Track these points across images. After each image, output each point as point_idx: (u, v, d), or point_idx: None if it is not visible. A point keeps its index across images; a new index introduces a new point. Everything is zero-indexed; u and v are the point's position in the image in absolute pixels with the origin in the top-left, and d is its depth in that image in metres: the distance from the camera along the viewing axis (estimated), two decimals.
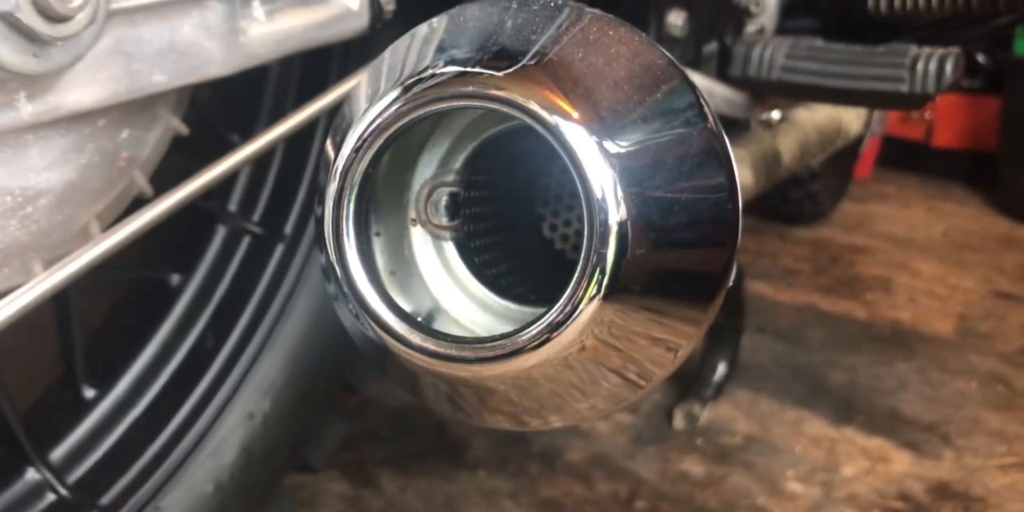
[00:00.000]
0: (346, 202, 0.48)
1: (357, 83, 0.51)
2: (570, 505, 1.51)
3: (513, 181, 0.59)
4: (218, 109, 0.89)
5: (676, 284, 0.46)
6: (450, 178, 0.53)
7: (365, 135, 0.47)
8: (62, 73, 0.51)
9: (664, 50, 0.51)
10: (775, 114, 1.46)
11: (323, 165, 0.51)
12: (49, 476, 0.86)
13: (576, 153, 0.45)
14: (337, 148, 0.49)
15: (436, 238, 0.53)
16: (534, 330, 0.46)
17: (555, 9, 0.51)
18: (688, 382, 1.86)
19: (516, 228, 0.60)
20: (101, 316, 0.99)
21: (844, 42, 1.24)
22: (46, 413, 0.92)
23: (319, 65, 0.95)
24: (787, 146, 1.47)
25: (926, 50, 1.09)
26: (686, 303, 0.47)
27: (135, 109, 0.59)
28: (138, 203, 0.72)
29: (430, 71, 0.47)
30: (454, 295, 0.53)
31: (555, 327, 0.45)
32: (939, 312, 2.40)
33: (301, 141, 0.97)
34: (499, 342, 0.47)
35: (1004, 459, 1.75)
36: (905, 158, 3.50)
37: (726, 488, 1.60)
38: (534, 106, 0.45)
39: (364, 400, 1.48)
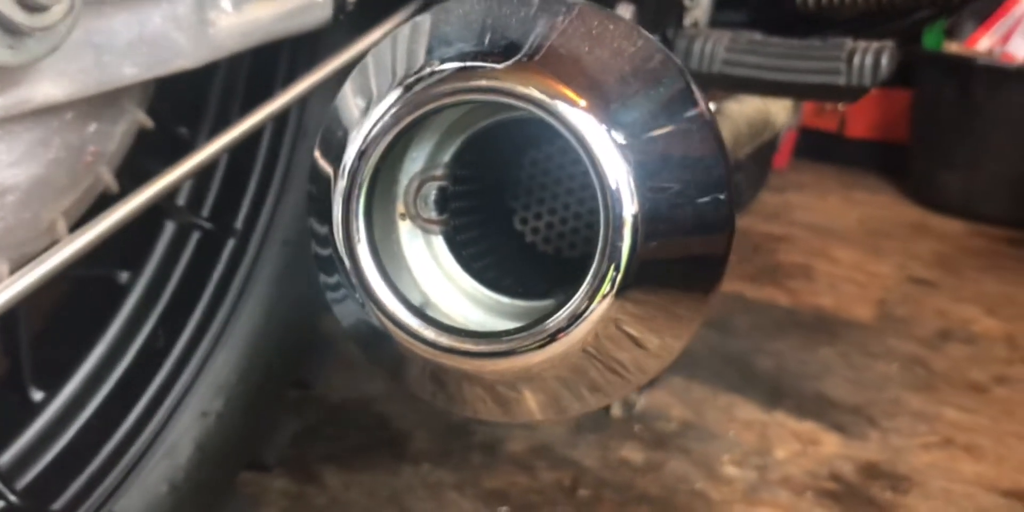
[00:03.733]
0: (355, 200, 0.48)
1: (341, 92, 0.51)
2: (515, 495, 1.52)
3: (493, 174, 0.60)
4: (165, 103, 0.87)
5: (681, 275, 0.47)
6: (439, 172, 0.53)
7: (371, 135, 0.47)
8: (33, 65, 0.50)
9: (656, 40, 0.51)
10: (711, 106, 1.48)
11: (313, 173, 0.51)
12: None
13: (589, 144, 0.46)
14: (335, 152, 0.49)
15: (425, 232, 0.54)
16: (551, 325, 0.47)
17: (541, 0, 0.52)
18: None
19: (496, 221, 0.60)
20: (43, 316, 0.96)
21: (775, 34, 1.27)
22: None
23: (268, 61, 0.94)
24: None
25: (862, 44, 1.12)
26: (690, 293, 0.48)
27: (102, 102, 0.58)
28: (103, 199, 0.70)
29: (428, 70, 0.48)
30: (444, 289, 0.53)
31: (573, 320, 0.46)
32: (859, 298, 2.48)
33: (250, 140, 0.95)
34: (513, 337, 0.47)
35: (926, 438, 1.82)
36: (820, 149, 3.60)
37: (665, 474, 1.63)
38: (541, 95, 0.46)
39: (304, 396, 1.46)
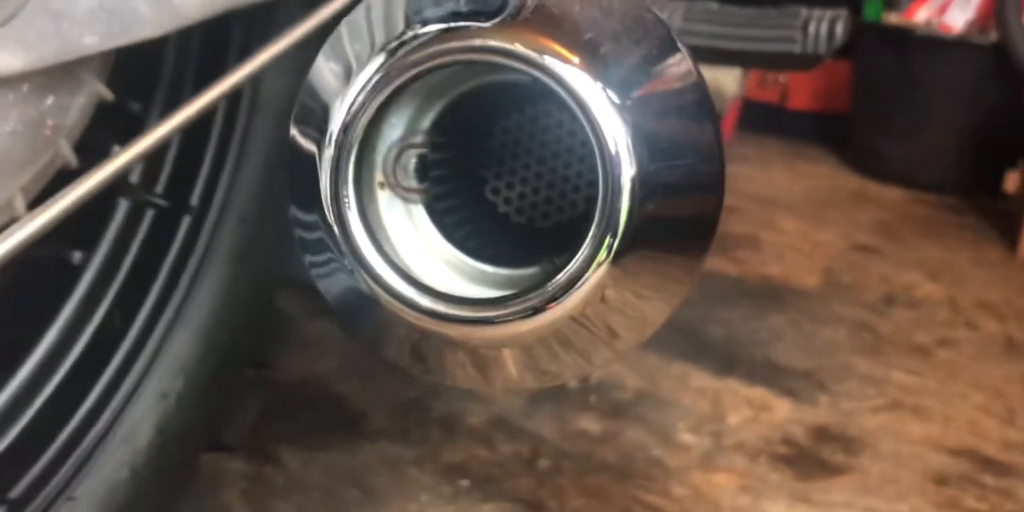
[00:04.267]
0: (344, 168, 0.47)
1: (315, 66, 0.49)
2: (475, 468, 1.52)
3: (470, 141, 0.59)
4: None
5: (675, 237, 0.47)
6: (418, 139, 0.52)
7: (358, 102, 0.46)
8: None
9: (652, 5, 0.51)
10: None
11: (292, 152, 0.49)
12: None
13: (587, 103, 0.45)
14: (317, 123, 0.48)
15: (405, 202, 0.52)
16: (548, 290, 0.46)
17: None
18: None
19: (472, 190, 0.59)
20: None
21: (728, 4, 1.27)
22: None
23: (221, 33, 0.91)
24: None
25: (816, 12, 1.13)
26: (684, 256, 0.48)
27: (60, 74, 0.55)
28: (63, 175, 0.68)
29: (411, 33, 0.47)
30: (425, 259, 0.52)
31: (569, 286, 0.46)
32: (805, 266, 2.51)
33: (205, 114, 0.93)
34: (507, 304, 0.46)
35: (875, 401, 1.86)
36: (763, 121, 3.63)
37: (623, 442, 1.64)
38: (532, 54, 0.45)
39: (256, 376, 1.44)
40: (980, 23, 3.10)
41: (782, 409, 1.82)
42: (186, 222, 0.95)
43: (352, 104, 0.46)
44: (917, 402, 1.87)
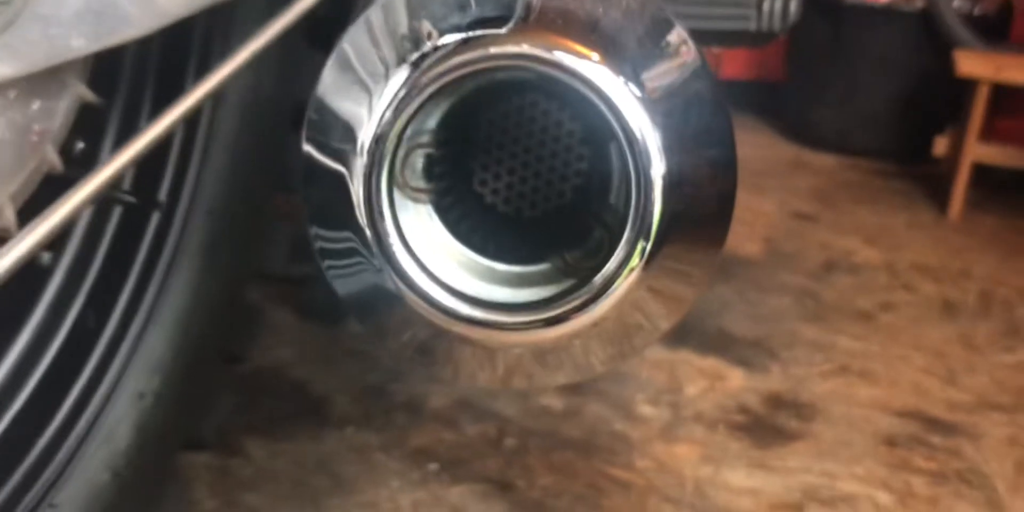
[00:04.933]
0: (377, 177, 0.47)
1: (322, 83, 0.49)
2: (442, 451, 1.52)
3: (462, 135, 0.58)
4: None
5: (698, 233, 0.47)
6: (424, 139, 0.52)
7: (389, 114, 0.46)
8: None
9: None
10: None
11: (305, 164, 0.49)
12: None
13: (613, 100, 0.45)
14: (341, 136, 0.47)
15: (415, 202, 0.52)
16: (580, 296, 0.46)
17: None
18: None
19: (467, 183, 0.59)
20: None
21: None
22: None
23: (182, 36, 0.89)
24: None
25: None
26: (703, 249, 0.48)
27: (44, 78, 0.53)
28: (49, 180, 0.66)
29: (430, 45, 0.46)
30: (440, 258, 0.52)
31: (603, 290, 0.46)
32: (747, 236, 2.56)
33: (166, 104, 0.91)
34: (544, 311, 0.47)
35: (823, 367, 1.91)
36: None
37: (586, 418, 1.66)
38: (562, 56, 0.45)
39: (230, 370, 1.42)
40: None
41: (736, 378, 1.85)
42: (155, 218, 0.93)
43: (383, 116, 0.46)
44: (863, 366, 1.92)
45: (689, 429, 1.66)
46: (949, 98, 2.89)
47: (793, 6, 1.13)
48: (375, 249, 0.48)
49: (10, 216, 0.60)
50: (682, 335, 1.98)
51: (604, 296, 0.47)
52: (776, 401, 1.78)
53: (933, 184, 3.01)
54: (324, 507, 1.37)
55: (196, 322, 0.96)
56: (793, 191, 2.93)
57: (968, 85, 2.68)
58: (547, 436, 1.59)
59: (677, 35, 0.50)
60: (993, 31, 3.03)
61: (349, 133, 0.48)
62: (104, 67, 0.79)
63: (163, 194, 0.94)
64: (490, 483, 1.46)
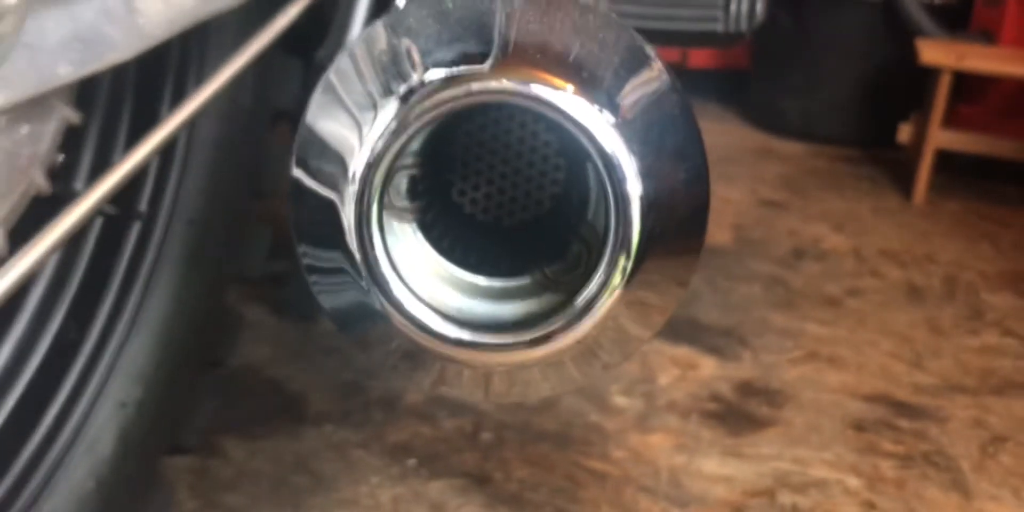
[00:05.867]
0: (368, 202, 0.48)
1: (311, 111, 0.50)
2: (420, 446, 1.54)
3: (439, 151, 0.60)
4: None
5: (673, 249, 0.49)
6: (408, 161, 0.53)
7: (381, 144, 0.47)
8: None
9: (604, 9, 0.53)
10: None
11: (294, 189, 0.50)
12: None
13: (589, 129, 0.47)
14: (333, 162, 0.49)
15: (400, 221, 0.54)
16: (563, 316, 0.48)
17: None
18: None
19: (446, 196, 0.61)
20: None
21: None
22: None
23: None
24: None
25: None
26: (678, 266, 0.50)
27: (33, 103, 0.54)
28: (41, 202, 0.66)
29: (416, 79, 0.48)
30: (424, 275, 0.54)
31: (576, 319, 0.48)
32: (716, 224, 2.58)
33: (148, 119, 0.91)
34: (529, 332, 0.49)
35: (793, 354, 1.95)
36: None
37: (560, 410, 1.68)
38: (535, 90, 0.47)
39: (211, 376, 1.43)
40: None
41: (707, 366, 1.88)
42: (136, 228, 0.94)
43: (375, 147, 0.48)
44: (831, 352, 1.96)
45: (663, 419, 1.69)
46: (912, 86, 2.94)
47: (759, 7, 1.15)
48: (364, 272, 0.50)
49: (0, 239, 0.61)
50: None
51: (587, 316, 0.48)
52: (747, 388, 1.81)
53: (898, 170, 3.06)
54: (305, 505, 1.39)
55: (177, 330, 0.97)
56: (761, 179, 2.97)
57: (930, 73, 2.72)
58: (522, 429, 1.61)
59: (649, 61, 0.52)
60: (954, 20, 3.07)
61: (339, 161, 0.49)
62: (83, 85, 0.79)
63: (143, 204, 0.94)
64: (468, 477, 1.48)
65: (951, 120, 2.81)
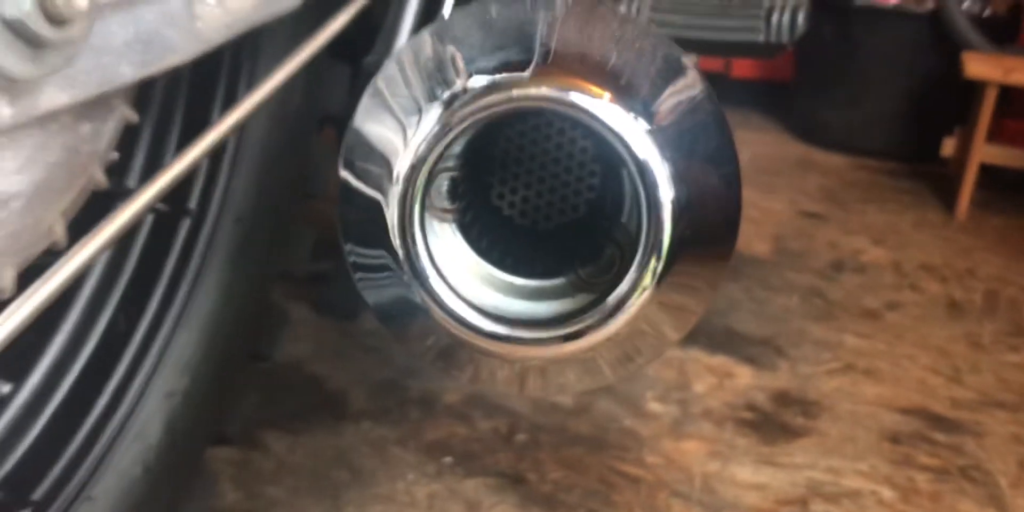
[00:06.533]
0: (411, 202, 0.51)
1: (359, 114, 0.54)
2: (456, 445, 1.57)
3: (480, 155, 0.62)
4: None
5: (703, 253, 0.51)
6: (450, 164, 0.56)
7: (422, 149, 0.50)
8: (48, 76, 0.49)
9: (645, 22, 0.55)
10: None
11: (343, 189, 0.53)
12: None
13: (624, 136, 0.49)
14: (378, 164, 0.52)
15: (440, 221, 0.56)
16: (596, 314, 0.51)
17: (532, 1, 0.55)
18: None
19: (486, 199, 0.63)
20: None
21: None
22: None
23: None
24: None
25: (779, 2, 1.18)
26: (710, 265, 0.52)
27: (94, 102, 0.57)
28: (96, 197, 0.70)
29: (460, 85, 0.51)
30: (462, 273, 0.56)
31: (614, 311, 0.50)
32: (756, 234, 2.59)
33: (199, 120, 0.95)
34: (562, 328, 0.51)
35: (830, 365, 1.95)
36: None
37: (595, 414, 1.70)
38: (572, 97, 0.49)
39: (254, 369, 1.47)
40: None
41: (744, 376, 1.89)
42: (185, 225, 0.97)
43: (418, 149, 0.50)
44: (869, 364, 1.96)
45: (698, 426, 1.70)
46: (957, 99, 2.92)
47: (801, 18, 1.16)
48: (406, 268, 0.52)
49: (60, 232, 0.64)
50: (691, 334, 2.00)
51: (618, 314, 0.50)
52: (783, 398, 1.81)
53: (941, 184, 3.04)
54: (343, 499, 1.42)
55: (223, 324, 1.00)
56: (802, 190, 2.96)
57: (976, 87, 2.70)
58: (558, 432, 1.63)
59: (685, 71, 0.54)
60: (1002, 33, 3.05)
61: (384, 163, 0.52)
62: (139, 86, 0.83)
63: (194, 202, 0.98)
64: (503, 477, 1.50)
65: (996, 134, 2.79)
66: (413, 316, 0.55)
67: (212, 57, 0.87)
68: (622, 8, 1.21)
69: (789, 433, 1.70)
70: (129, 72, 0.57)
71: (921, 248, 2.59)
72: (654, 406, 1.75)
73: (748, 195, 2.87)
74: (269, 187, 1.02)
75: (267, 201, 1.02)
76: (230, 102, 0.94)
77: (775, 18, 1.16)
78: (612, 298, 0.51)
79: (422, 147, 0.51)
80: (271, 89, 0.65)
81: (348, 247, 0.54)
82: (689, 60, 0.58)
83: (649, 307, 0.50)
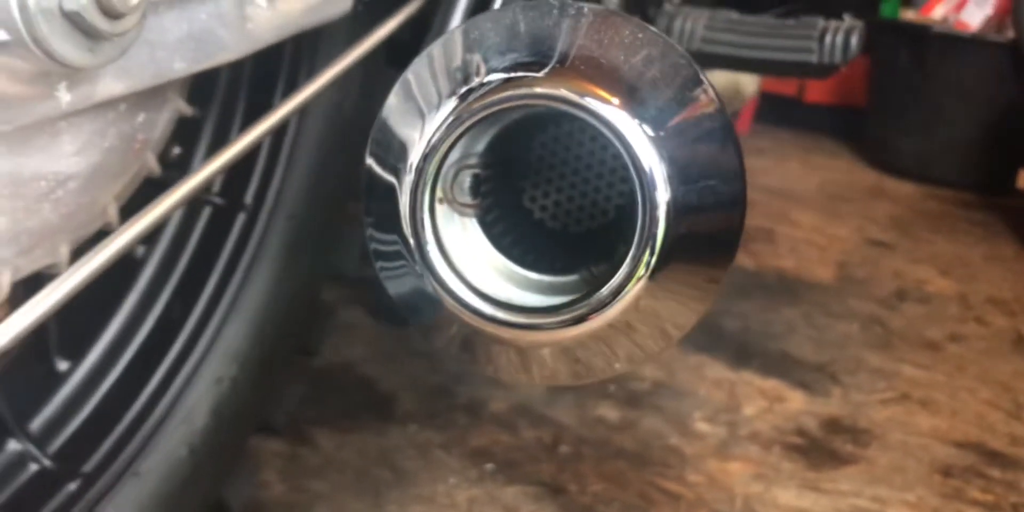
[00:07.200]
0: (422, 191, 0.54)
1: (387, 106, 0.57)
2: (499, 452, 1.59)
3: (509, 158, 0.65)
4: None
5: (703, 254, 0.54)
6: (472, 161, 0.59)
7: (436, 138, 0.54)
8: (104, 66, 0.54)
9: (667, 37, 0.57)
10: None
11: (368, 178, 0.57)
12: (30, 447, 0.88)
13: (627, 139, 0.52)
14: (396, 154, 0.55)
15: (461, 215, 0.59)
16: (593, 301, 0.53)
17: (560, 9, 0.57)
18: None
19: (514, 200, 0.66)
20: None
21: (738, 9, 1.33)
22: (20, 385, 0.93)
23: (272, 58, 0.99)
24: None
25: (833, 23, 1.19)
26: (711, 266, 0.54)
27: (149, 93, 0.62)
28: (147, 184, 0.75)
29: (477, 81, 0.54)
30: (479, 266, 0.59)
31: (610, 300, 0.53)
32: (819, 260, 2.57)
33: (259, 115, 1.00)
34: (560, 313, 0.54)
35: (885, 394, 1.92)
36: (780, 114, 3.67)
37: (640, 431, 1.70)
38: (586, 100, 0.52)
39: (302, 363, 1.52)
40: (997, 21, 3.13)
41: (795, 400, 1.87)
42: (240, 219, 1.02)
43: (431, 139, 0.54)
44: (926, 395, 1.92)
45: (744, 447, 1.69)
46: None
47: (854, 40, 1.17)
48: (416, 255, 0.56)
49: (113, 213, 0.69)
50: (745, 356, 2.01)
51: (615, 301, 0.53)
52: (834, 425, 1.79)
53: (1014, 217, 2.97)
54: (384, 498, 1.45)
55: (273, 317, 1.05)
56: (870, 218, 2.93)
57: None
58: (601, 445, 1.64)
59: (699, 83, 0.56)
60: None
61: (403, 152, 0.56)
62: (201, 82, 0.88)
63: (249, 198, 1.03)
64: (543, 486, 1.51)
65: None
66: (430, 307, 0.58)
67: (274, 59, 0.92)
68: (677, 25, 1.24)
69: (837, 460, 1.69)
70: (182, 67, 0.62)
71: (990, 281, 2.53)
72: (701, 426, 1.75)
73: (814, 220, 2.86)
74: (322, 187, 1.07)
75: (320, 201, 1.07)
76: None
77: (828, 39, 1.17)
78: (608, 286, 0.53)
79: (435, 138, 0.54)
80: (313, 91, 0.69)
81: (369, 233, 0.58)
82: (703, 74, 0.60)
83: (646, 298, 0.53)
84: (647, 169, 0.52)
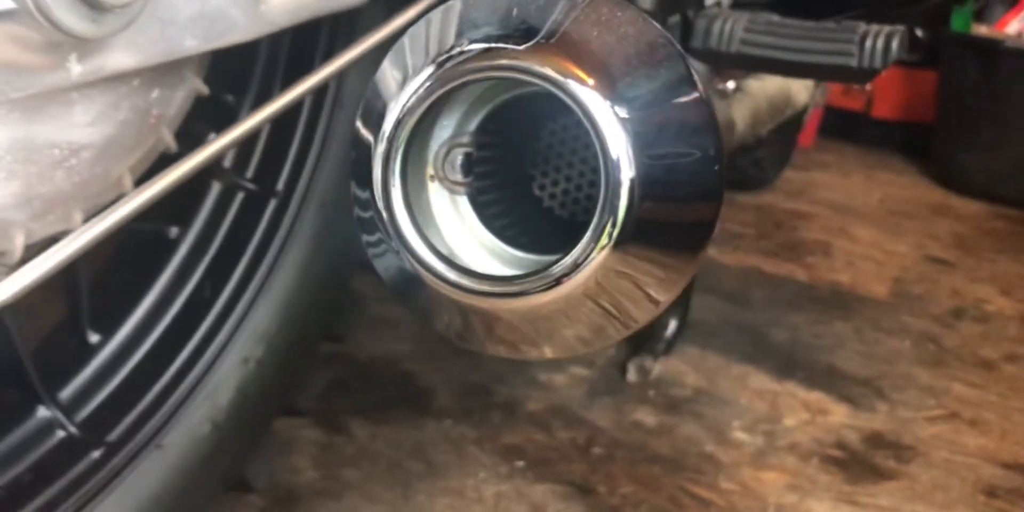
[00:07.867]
0: (393, 161, 0.56)
1: (381, 68, 0.59)
2: (532, 451, 1.60)
3: (513, 143, 0.67)
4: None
5: (673, 234, 0.55)
6: (465, 139, 0.61)
7: (408, 105, 0.55)
8: (110, 37, 0.57)
9: (660, 26, 0.58)
10: (730, 84, 1.55)
11: (354, 140, 0.59)
12: (59, 414, 0.92)
13: (593, 116, 0.53)
14: (376, 120, 0.57)
15: (452, 193, 0.61)
16: (556, 270, 0.54)
17: None
18: (640, 338, 1.95)
19: (517, 185, 0.67)
20: (100, 265, 1.05)
21: (794, 16, 1.32)
22: (53, 355, 0.97)
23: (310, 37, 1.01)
24: (741, 115, 1.56)
25: (874, 27, 1.18)
26: (680, 252, 0.55)
27: (164, 70, 0.65)
28: (164, 158, 0.78)
29: (457, 49, 0.55)
30: (467, 243, 0.60)
31: (575, 267, 0.54)
32: (875, 275, 2.52)
33: (292, 108, 1.03)
34: (524, 280, 0.55)
35: (933, 412, 1.88)
36: (845, 128, 3.62)
37: (677, 437, 1.70)
38: (553, 74, 0.53)
39: (334, 352, 1.54)
40: None
41: (839, 414, 1.84)
42: (272, 205, 1.06)
43: (404, 106, 0.55)
44: (975, 415, 1.88)
45: (781, 458, 1.67)
46: None
47: (895, 45, 1.16)
48: (389, 227, 0.57)
49: (128, 184, 0.72)
50: (790, 367, 1.99)
51: (581, 267, 0.54)
52: (876, 440, 1.76)
53: None
54: (413, 489, 1.47)
55: (301, 301, 1.08)
56: (932, 235, 2.87)
57: None
58: (635, 449, 1.64)
59: (686, 76, 0.57)
60: None
61: (381, 118, 0.57)
62: (236, 68, 0.91)
63: (281, 184, 1.06)
64: (572, 486, 1.52)
65: None
66: (415, 287, 0.60)
67: (309, 43, 0.95)
68: (716, 27, 1.24)
69: (876, 475, 1.66)
70: (193, 45, 0.64)
71: None
72: (739, 435, 1.73)
73: (873, 236, 2.81)
74: None
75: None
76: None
77: (869, 43, 1.16)
78: (571, 254, 0.54)
79: (408, 104, 0.55)
80: (329, 73, 0.71)
81: (353, 197, 0.59)
82: (691, 65, 0.60)
83: (614, 264, 0.54)
84: (611, 147, 0.53)
